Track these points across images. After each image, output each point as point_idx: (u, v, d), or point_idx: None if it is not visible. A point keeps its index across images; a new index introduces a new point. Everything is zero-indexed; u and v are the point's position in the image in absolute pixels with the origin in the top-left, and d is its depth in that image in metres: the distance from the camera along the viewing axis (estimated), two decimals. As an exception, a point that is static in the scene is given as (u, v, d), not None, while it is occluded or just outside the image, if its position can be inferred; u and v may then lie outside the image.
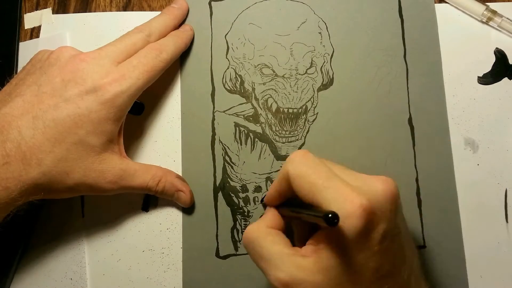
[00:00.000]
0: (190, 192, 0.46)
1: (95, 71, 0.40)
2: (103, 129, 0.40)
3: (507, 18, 0.46)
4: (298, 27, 0.48)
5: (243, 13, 0.49)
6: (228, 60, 0.48)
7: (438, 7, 0.48)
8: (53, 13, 0.51)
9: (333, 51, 0.48)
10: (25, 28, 0.52)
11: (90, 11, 0.51)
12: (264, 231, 0.36)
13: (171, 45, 0.46)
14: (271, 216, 0.38)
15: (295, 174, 0.34)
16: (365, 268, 0.31)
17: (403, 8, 0.48)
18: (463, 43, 0.48)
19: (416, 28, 0.48)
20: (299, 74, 0.47)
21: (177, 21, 0.48)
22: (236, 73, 0.48)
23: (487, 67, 0.47)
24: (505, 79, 0.47)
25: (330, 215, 0.28)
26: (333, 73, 0.48)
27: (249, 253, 0.36)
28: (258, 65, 0.48)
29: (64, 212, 0.47)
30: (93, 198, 0.47)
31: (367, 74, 0.47)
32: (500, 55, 0.47)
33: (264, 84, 0.48)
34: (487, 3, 0.47)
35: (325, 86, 0.47)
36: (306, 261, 0.32)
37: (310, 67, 0.48)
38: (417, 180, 0.45)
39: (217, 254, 0.45)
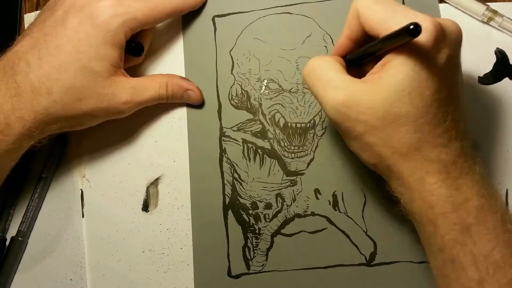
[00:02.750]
0: (198, 89, 0.47)
1: None
2: (104, 53, 0.41)
3: (508, 18, 0.46)
4: (303, 41, 0.48)
5: (247, 28, 0.49)
6: (234, 76, 0.48)
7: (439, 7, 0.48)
8: (53, 13, 0.51)
9: None
10: (26, 28, 0.52)
11: (90, 11, 0.51)
12: (329, 59, 0.37)
13: None
14: (335, 56, 0.39)
15: (365, 6, 0.35)
16: (424, 86, 0.32)
17: None
18: (463, 43, 0.47)
19: None
20: (306, 88, 0.47)
21: None
22: (242, 88, 0.48)
23: (488, 67, 0.47)
24: (506, 79, 0.47)
25: (412, 26, 0.28)
26: None
27: (308, 79, 0.37)
28: (264, 80, 0.48)
29: (64, 212, 0.47)
30: (93, 199, 0.47)
31: None
32: (501, 55, 0.47)
33: (271, 99, 0.47)
34: (487, 3, 0.47)
35: None
36: (366, 84, 0.33)
37: None
38: None
39: (229, 274, 0.45)
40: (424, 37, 0.31)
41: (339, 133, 0.38)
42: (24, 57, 0.40)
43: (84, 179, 0.48)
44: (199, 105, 0.48)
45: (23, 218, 0.47)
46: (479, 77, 0.47)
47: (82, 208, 0.47)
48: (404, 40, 0.30)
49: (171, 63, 0.49)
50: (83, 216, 0.47)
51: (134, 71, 0.48)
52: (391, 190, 0.36)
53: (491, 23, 0.47)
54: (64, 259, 0.46)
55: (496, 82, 0.47)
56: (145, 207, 0.47)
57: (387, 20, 0.33)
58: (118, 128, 0.48)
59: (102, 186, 0.48)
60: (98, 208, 0.47)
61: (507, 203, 0.45)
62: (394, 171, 0.35)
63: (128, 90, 0.43)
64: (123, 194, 0.47)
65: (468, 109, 0.46)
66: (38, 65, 0.39)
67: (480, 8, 0.46)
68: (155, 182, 0.47)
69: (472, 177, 0.34)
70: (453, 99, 0.34)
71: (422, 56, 0.32)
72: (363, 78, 0.35)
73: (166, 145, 0.48)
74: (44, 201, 0.47)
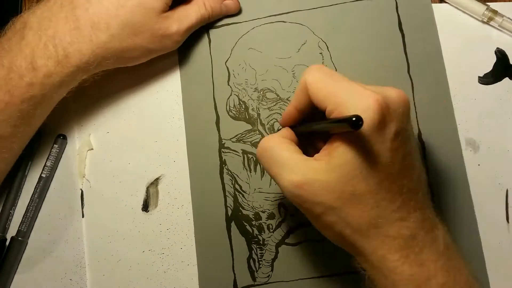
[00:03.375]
0: None
1: None
2: None
3: (508, 18, 0.46)
4: (299, 49, 0.48)
5: (241, 39, 0.49)
6: (231, 87, 0.48)
7: (439, 7, 0.48)
8: (53, 14, 0.51)
9: (336, 71, 0.47)
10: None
11: (90, 12, 0.51)
12: (279, 140, 0.37)
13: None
14: (286, 130, 0.39)
15: (313, 81, 0.35)
16: (376, 163, 0.32)
17: (403, 22, 0.47)
18: (463, 43, 0.47)
19: (418, 42, 0.47)
20: None
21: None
22: (239, 99, 0.48)
23: (488, 67, 0.47)
24: (506, 79, 0.47)
25: (354, 118, 0.28)
26: None
27: (262, 161, 0.37)
28: (261, 89, 0.48)
29: (64, 212, 0.47)
30: (93, 199, 0.47)
31: None
32: (501, 55, 0.47)
33: (269, 108, 0.47)
34: (487, 3, 0.47)
35: None
36: (319, 163, 0.33)
37: None
38: (431, 198, 0.45)
39: (235, 286, 0.45)
40: (368, 116, 0.31)
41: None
42: None
43: (84, 179, 0.48)
44: (197, 117, 0.48)
45: (23, 218, 0.47)
46: (479, 77, 0.47)
47: (82, 208, 0.47)
48: (347, 129, 0.30)
49: (167, 77, 0.49)
50: (83, 216, 0.47)
51: (132, 73, 0.48)
52: (357, 266, 0.36)
53: (491, 23, 0.47)
54: (64, 259, 0.46)
55: (496, 82, 0.47)
56: (145, 207, 0.47)
57: (333, 95, 0.33)
58: (118, 128, 0.48)
59: (102, 186, 0.47)
60: (98, 208, 0.47)
61: (507, 203, 0.45)
62: (357, 249, 0.34)
63: (176, 21, 0.44)
64: (123, 194, 0.47)
65: (468, 109, 0.46)
66: (97, 1, 0.42)
67: (480, 8, 0.46)
68: (155, 182, 0.47)
69: (436, 249, 0.33)
70: (406, 170, 0.33)
71: (368, 135, 0.31)
72: (315, 156, 0.35)
73: (166, 145, 0.48)
74: (44, 201, 0.47)
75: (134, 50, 0.44)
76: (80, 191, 0.48)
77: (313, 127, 0.36)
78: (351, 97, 0.32)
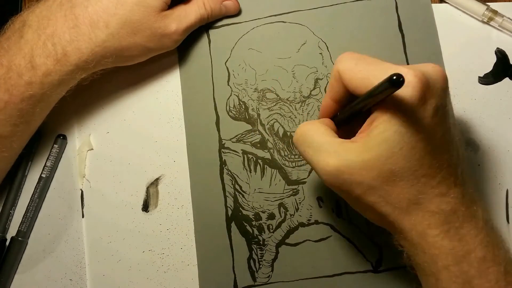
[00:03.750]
0: None
1: None
2: None
3: (508, 18, 0.46)
4: (299, 49, 0.48)
5: (241, 39, 0.49)
6: (230, 87, 0.48)
7: (438, 7, 0.48)
8: (53, 14, 0.51)
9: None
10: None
11: (90, 12, 0.51)
12: (317, 125, 0.36)
13: None
14: (324, 119, 0.39)
15: (346, 68, 0.35)
16: (415, 139, 0.32)
17: (403, 23, 0.47)
18: (463, 43, 0.47)
19: (418, 42, 0.47)
20: (304, 96, 0.47)
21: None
22: (239, 99, 0.48)
23: (488, 67, 0.47)
24: (506, 79, 0.47)
25: (394, 77, 0.28)
26: None
27: (299, 145, 0.36)
28: (261, 90, 0.48)
29: (64, 212, 0.47)
30: (93, 199, 0.47)
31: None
32: (501, 55, 0.47)
33: (269, 109, 0.47)
34: (487, 3, 0.47)
35: None
36: (356, 145, 0.33)
37: (314, 88, 0.47)
38: None
39: (235, 287, 0.45)
40: (408, 92, 0.31)
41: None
42: None
43: (84, 179, 0.48)
44: (197, 118, 0.48)
45: (23, 218, 0.47)
46: (479, 77, 0.47)
47: (82, 208, 0.47)
48: (387, 92, 0.30)
49: (167, 77, 0.49)
50: (83, 216, 0.47)
51: (131, 73, 0.48)
52: (396, 243, 0.36)
53: (491, 23, 0.47)
54: (64, 259, 0.46)
55: (496, 82, 0.47)
56: (145, 207, 0.47)
57: (369, 78, 0.33)
58: (118, 128, 0.48)
59: (102, 186, 0.47)
60: (98, 208, 0.47)
61: (507, 204, 0.45)
62: (397, 227, 0.34)
63: (174, 19, 0.44)
64: (123, 194, 0.47)
65: (468, 109, 0.46)
66: (96, 0, 0.42)
67: (480, 8, 0.46)
68: (155, 182, 0.47)
69: (476, 224, 0.33)
70: (446, 146, 0.33)
71: (408, 111, 0.31)
72: (352, 138, 0.34)
73: (166, 145, 0.48)
74: (44, 201, 0.47)
75: (133, 49, 0.44)
76: (80, 191, 0.48)
77: (352, 107, 0.36)
78: (388, 75, 0.31)
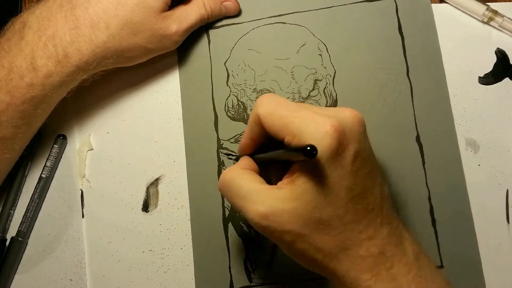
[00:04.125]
0: None
1: None
2: None
3: (508, 18, 0.46)
4: (298, 50, 0.48)
5: (241, 39, 0.49)
6: (229, 87, 0.48)
7: (438, 7, 0.48)
8: (53, 14, 0.51)
9: (335, 72, 0.47)
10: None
11: (90, 12, 0.51)
12: (240, 171, 0.36)
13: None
14: (246, 160, 0.39)
15: (265, 113, 0.35)
16: (338, 187, 0.32)
17: (403, 25, 0.47)
18: (464, 43, 0.47)
19: (417, 45, 0.47)
20: (302, 97, 0.47)
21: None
22: (238, 100, 0.48)
23: (488, 67, 0.47)
24: (506, 79, 0.47)
25: (308, 148, 0.28)
26: (336, 95, 0.47)
27: (226, 195, 0.36)
28: (260, 90, 0.48)
29: (64, 212, 0.47)
30: (93, 199, 0.47)
31: (371, 94, 0.47)
32: (501, 55, 0.47)
33: None
34: (487, 3, 0.47)
35: None
36: (282, 192, 0.33)
37: (313, 89, 0.47)
38: (429, 199, 0.45)
39: (231, 287, 0.45)
40: (327, 142, 0.31)
41: None
42: None
43: (84, 179, 0.48)
44: (196, 118, 0.48)
45: (23, 218, 0.47)
46: (479, 77, 0.47)
47: (82, 208, 0.47)
48: (302, 158, 0.30)
49: (167, 77, 0.49)
50: (83, 217, 0.47)
51: (131, 73, 0.48)
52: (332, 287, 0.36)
53: (491, 23, 0.47)
54: (64, 260, 0.46)
55: (497, 82, 0.47)
56: (145, 208, 0.47)
57: (289, 125, 0.33)
58: (118, 128, 0.48)
59: (102, 186, 0.47)
60: (98, 209, 0.47)
61: (507, 204, 0.45)
62: (329, 272, 0.34)
63: (175, 20, 0.44)
64: (123, 195, 0.47)
65: (469, 109, 0.46)
66: (97, 0, 0.42)
67: (480, 8, 0.46)
68: (155, 182, 0.47)
69: (406, 261, 0.34)
70: (370, 189, 0.34)
71: (329, 161, 0.32)
72: (278, 184, 0.34)
73: (166, 145, 0.48)
74: (44, 201, 0.47)
75: (133, 50, 0.44)
76: (80, 191, 0.48)
77: (272, 156, 0.36)
78: (307, 125, 0.32)
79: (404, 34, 0.47)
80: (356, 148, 0.33)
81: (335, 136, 0.31)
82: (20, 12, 0.52)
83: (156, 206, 0.47)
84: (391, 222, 0.34)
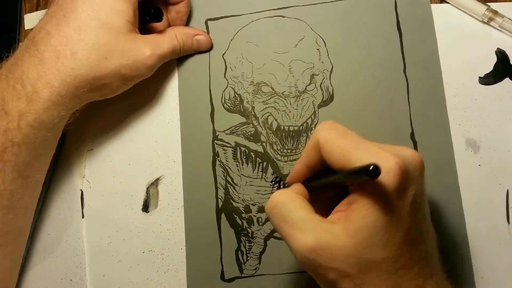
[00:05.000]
0: (206, 33, 0.47)
1: None
2: (119, 8, 0.42)
3: (508, 19, 0.46)
4: (296, 44, 0.48)
5: (240, 32, 0.49)
6: (227, 79, 0.48)
7: (438, 7, 0.48)
8: (53, 14, 0.51)
9: (332, 67, 0.47)
10: (26, 28, 0.52)
11: (90, 12, 0.51)
12: (293, 196, 0.35)
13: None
14: (298, 186, 0.37)
15: (326, 140, 0.34)
16: (396, 228, 0.31)
17: (401, 22, 0.47)
18: (464, 43, 0.47)
19: (415, 42, 0.47)
20: (299, 91, 0.47)
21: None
22: (235, 92, 0.48)
23: (489, 67, 0.47)
24: (507, 79, 0.47)
25: (371, 167, 0.27)
26: (333, 89, 0.47)
27: (273, 217, 0.35)
28: (257, 83, 0.48)
29: (64, 213, 0.47)
30: (93, 199, 0.47)
31: (367, 90, 0.47)
32: (501, 55, 0.47)
33: (263, 102, 0.47)
34: (488, 3, 0.47)
35: (325, 103, 0.47)
36: (336, 226, 0.32)
37: (310, 84, 0.47)
38: None
39: (222, 278, 0.45)
40: (389, 179, 0.30)
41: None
42: (43, 27, 0.41)
43: (84, 180, 0.48)
44: (192, 109, 0.48)
45: (23, 218, 0.46)
46: (479, 77, 0.47)
47: (82, 208, 0.47)
48: (363, 179, 0.29)
49: (164, 67, 0.48)
50: (83, 217, 0.47)
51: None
52: None
53: (492, 23, 0.47)
54: (64, 260, 0.46)
55: (497, 82, 0.47)
56: (145, 208, 0.47)
57: (349, 157, 0.32)
58: (118, 128, 0.48)
59: (102, 186, 0.47)
60: (98, 209, 0.47)
61: (507, 204, 0.45)
62: None
63: (148, 44, 0.43)
64: (123, 195, 0.47)
65: (469, 110, 0.46)
66: (57, 31, 0.40)
67: (481, 8, 0.46)
68: (155, 183, 0.47)
69: None
70: (424, 235, 0.33)
71: (389, 199, 0.30)
72: (330, 218, 0.33)
73: (166, 145, 0.48)
74: (44, 202, 0.47)
75: (107, 76, 0.42)
76: (80, 191, 0.48)
77: (327, 180, 0.35)
78: (370, 158, 0.31)
79: (402, 31, 0.47)
80: (416, 190, 0.32)
81: (399, 174, 0.30)
82: (20, 11, 0.52)
83: (156, 207, 0.47)
84: (438, 273, 0.33)
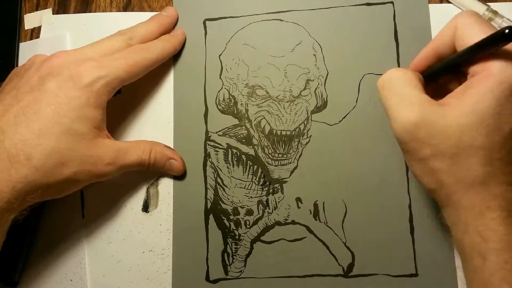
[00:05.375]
0: (181, 159, 0.46)
1: (71, 62, 0.40)
2: (87, 115, 0.40)
3: (508, 19, 0.46)
4: (293, 49, 0.48)
5: (237, 33, 0.49)
6: (222, 81, 0.48)
7: (439, 7, 0.48)
8: (53, 14, 0.52)
9: (328, 74, 0.47)
10: (25, 28, 0.52)
11: (90, 12, 0.51)
12: (408, 73, 0.35)
13: (158, 47, 0.46)
14: (415, 72, 0.37)
15: (465, 24, 0.33)
16: (505, 121, 0.31)
17: (399, 32, 0.47)
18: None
19: (412, 52, 0.45)
20: (293, 96, 0.47)
21: (163, 28, 0.48)
22: (229, 93, 0.48)
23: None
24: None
25: (507, 30, 0.27)
26: (327, 96, 0.47)
27: (383, 91, 0.36)
28: (252, 86, 0.48)
29: (64, 213, 0.47)
30: (93, 199, 0.47)
31: (361, 98, 0.46)
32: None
33: (257, 105, 0.47)
34: (488, 3, 0.46)
35: (318, 109, 0.47)
36: (443, 108, 0.32)
37: (304, 89, 0.47)
38: (410, 206, 0.44)
39: (207, 278, 0.45)
40: None
41: (402, 151, 0.36)
42: None
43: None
44: (186, 108, 0.48)
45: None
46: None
47: (82, 208, 0.47)
48: (497, 45, 0.29)
49: (160, 66, 0.48)
50: (83, 217, 0.47)
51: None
52: (443, 218, 0.35)
53: (491, 23, 0.46)
54: (64, 260, 0.46)
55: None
56: (145, 208, 0.47)
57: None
58: (118, 128, 0.48)
59: (102, 186, 0.47)
60: (98, 209, 0.47)
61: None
62: (453, 201, 0.33)
63: (111, 152, 0.41)
64: (123, 195, 0.47)
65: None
66: (13, 131, 0.37)
67: (481, 8, 0.46)
68: (155, 183, 0.47)
69: None
70: None
71: (509, 87, 0.30)
72: (440, 101, 0.33)
73: (166, 144, 0.48)
74: (44, 202, 0.47)
75: (60, 182, 0.39)
76: (80, 191, 0.48)
77: (450, 60, 0.35)
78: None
79: (399, 41, 0.47)
80: None
81: None
82: (20, 11, 0.52)
83: (156, 207, 0.47)
84: None
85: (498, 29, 0.31)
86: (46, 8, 0.52)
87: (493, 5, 0.46)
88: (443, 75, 0.38)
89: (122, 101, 0.48)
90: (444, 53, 0.36)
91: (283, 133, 0.46)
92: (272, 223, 0.46)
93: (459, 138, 0.31)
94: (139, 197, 0.47)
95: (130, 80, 0.44)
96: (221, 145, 0.47)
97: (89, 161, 0.40)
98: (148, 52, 0.45)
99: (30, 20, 0.52)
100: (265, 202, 0.46)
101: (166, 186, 0.47)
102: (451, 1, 0.48)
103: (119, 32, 0.46)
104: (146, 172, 0.47)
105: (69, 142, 0.38)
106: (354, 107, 0.46)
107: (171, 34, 0.48)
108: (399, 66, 0.47)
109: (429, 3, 0.48)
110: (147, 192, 0.47)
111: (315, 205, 0.45)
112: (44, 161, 0.37)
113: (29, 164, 0.37)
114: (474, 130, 0.31)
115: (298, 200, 0.46)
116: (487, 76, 0.32)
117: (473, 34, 0.33)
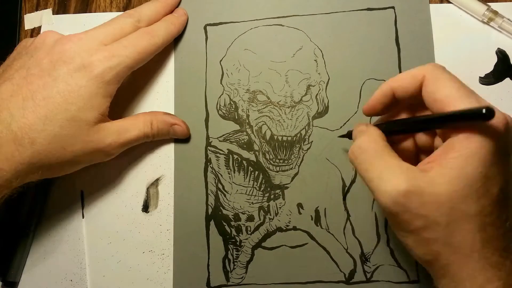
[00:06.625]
0: (184, 123, 0.46)
1: (83, 50, 0.41)
2: (94, 104, 0.41)
3: (508, 19, 0.46)
4: (294, 54, 0.48)
5: (238, 39, 0.49)
6: (223, 86, 0.48)
7: (439, 7, 0.48)
8: (53, 14, 0.52)
9: (329, 79, 0.47)
10: (25, 28, 0.52)
11: (90, 12, 0.51)
12: (382, 142, 0.34)
13: (162, 30, 0.46)
14: (376, 130, 0.36)
15: (435, 76, 0.33)
16: (493, 183, 0.30)
17: (400, 37, 0.47)
18: (464, 43, 0.47)
19: (413, 58, 0.47)
20: (294, 101, 0.47)
21: (169, 7, 0.48)
22: (230, 99, 0.48)
23: (489, 67, 0.47)
24: (507, 79, 0.46)
25: (484, 110, 0.27)
26: (328, 101, 0.47)
27: (359, 162, 0.34)
28: (253, 91, 0.47)
29: (64, 213, 0.47)
30: (93, 199, 0.47)
31: (362, 103, 0.46)
32: (501, 55, 0.47)
33: (258, 111, 0.47)
34: (488, 3, 0.46)
35: (320, 114, 0.47)
36: (429, 174, 0.31)
37: (305, 94, 0.47)
38: None
39: (208, 285, 0.45)
40: (498, 128, 0.30)
41: (390, 224, 0.35)
42: (5, 105, 0.38)
43: (84, 180, 0.48)
44: (187, 113, 0.48)
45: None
46: (480, 77, 0.47)
47: (82, 208, 0.47)
48: (471, 121, 0.29)
49: (161, 70, 0.49)
50: (83, 217, 0.47)
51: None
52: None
53: (491, 23, 0.46)
54: (64, 260, 0.46)
55: (497, 82, 0.46)
56: (145, 208, 0.47)
57: (456, 99, 0.31)
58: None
59: (102, 186, 0.47)
60: (98, 209, 0.47)
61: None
62: (449, 272, 0.32)
63: (112, 133, 0.42)
64: (123, 195, 0.47)
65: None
66: (21, 115, 0.38)
67: (481, 8, 0.46)
68: (155, 183, 0.47)
69: None
70: (510, 199, 0.32)
71: (493, 149, 0.30)
72: (421, 166, 0.32)
73: (166, 145, 0.48)
74: (44, 202, 0.47)
75: (61, 164, 0.40)
76: (80, 191, 0.48)
77: (416, 122, 0.34)
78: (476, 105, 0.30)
79: (400, 46, 0.47)
80: None
81: (506, 127, 0.30)
82: (20, 11, 0.52)
83: (156, 207, 0.47)
84: None
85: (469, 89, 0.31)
86: (46, 8, 0.52)
87: (493, 5, 0.46)
88: (405, 133, 0.37)
89: (123, 105, 0.48)
90: (403, 99, 0.35)
91: (284, 138, 0.46)
92: (273, 229, 0.46)
93: (451, 206, 0.30)
94: (139, 197, 0.47)
95: (137, 67, 0.44)
96: (222, 150, 0.47)
97: (90, 145, 0.41)
98: (154, 37, 0.45)
99: (30, 20, 0.52)
100: (266, 208, 0.46)
101: (166, 186, 0.47)
102: (451, 1, 0.48)
103: (127, 14, 0.46)
104: (146, 172, 0.47)
105: (73, 128, 0.39)
106: (355, 112, 0.46)
107: (174, 15, 0.48)
108: (400, 71, 0.47)
109: (429, 3, 0.48)
110: (147, 192, 0.47)
111: (317, 211, 0.45)
112: (46, 145, 0.38)
113: (33, 148, 0.38)
114: (465, 196, 0.30)
115: (299, 206, 0.46)
116: (467, 139, 0.30)
117: (443, 91, 0.32)
